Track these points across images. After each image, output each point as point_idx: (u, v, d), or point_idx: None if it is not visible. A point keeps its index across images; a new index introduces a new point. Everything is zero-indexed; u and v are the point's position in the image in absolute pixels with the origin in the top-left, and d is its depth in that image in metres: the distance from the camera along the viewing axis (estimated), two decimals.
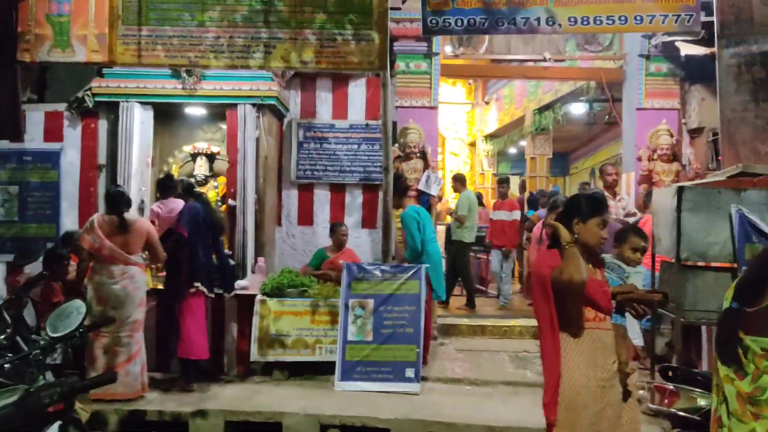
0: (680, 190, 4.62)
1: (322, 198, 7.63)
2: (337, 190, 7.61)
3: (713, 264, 4.55)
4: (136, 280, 5.15)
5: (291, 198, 7.63)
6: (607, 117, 11.38)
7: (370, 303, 5.79)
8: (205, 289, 5.69)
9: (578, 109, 12.84)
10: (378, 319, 5.73)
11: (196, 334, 5.63)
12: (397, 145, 7.25)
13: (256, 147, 6.76)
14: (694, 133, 7.33)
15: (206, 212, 5.71)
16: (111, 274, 5.03)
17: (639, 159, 7.40)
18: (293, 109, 7.63)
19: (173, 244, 5.60)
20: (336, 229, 6.69)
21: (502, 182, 9.52)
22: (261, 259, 6.49)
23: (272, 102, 6.76)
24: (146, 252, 5.43)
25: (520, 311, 8.66)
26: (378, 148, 7.49)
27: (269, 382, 5.93)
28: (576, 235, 2.87)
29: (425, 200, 7.20)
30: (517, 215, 9.09)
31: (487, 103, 14.23)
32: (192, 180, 6.15)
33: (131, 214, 5.29)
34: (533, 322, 7.71)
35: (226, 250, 6.59)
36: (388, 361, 5.64)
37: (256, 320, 5.96)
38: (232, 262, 6.58)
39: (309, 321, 5.96)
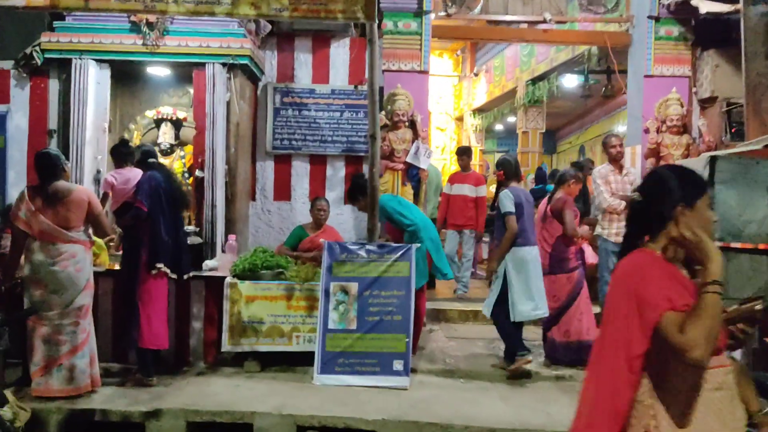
0: (713, 161, 4.04)
1: (300, 170, 6.98)
2: (318, 162, 6.96)
3: (749, 245, 3.96)
4: (79, 260, 4.43)
5: (266, 170, 6.96)
6: (603, 89, 10.82)
7: (354, 287, 5.15)
8: (167, 271, 5.02)
9: (571, 81, 12.25)
10: (362, 305, 5.10)
11: (157, 321, 4.97)
12: (383, 112, 6.59)
13: (226, 112, 6.07)
14: (706, 102, 6.75)
15: (168, 184, 5.02)
16: (49, 253, 4.30)
17: (646, 131, 6.81)
18: (269, 72, 6.93)
19: (131, 220, 4.92)
20: (316, 204, 6.03)
21: (462, 153, 7.62)
22: (232, 237, 5.82)
23: (245, 62, 6.05)
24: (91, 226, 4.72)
25: None
26: (363, 116, 6.84)
27: (240, 374, 5.29)
28: (678, 231, 1.87)
29: (414, 174, 6.57)
30: (483, 191, 7.41)
31: (476, 74, 13.55)
32: (152, 147, 5.44)
33: (66, 183, 4.52)
34: None
35: (191, 227, 5.92)
36: (373, 352, 5.02)
37: (226, 305, 5.30)
38: (198, 240, 5.91)
39: (285, 306, 5.32)
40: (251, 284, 5.32)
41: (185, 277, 5.26)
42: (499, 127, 20.30)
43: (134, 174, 5.04)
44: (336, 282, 5.17)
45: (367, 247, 5.26)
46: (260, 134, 6.91)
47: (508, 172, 5.41)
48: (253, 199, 6.94)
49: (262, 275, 5.36)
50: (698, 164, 4.27)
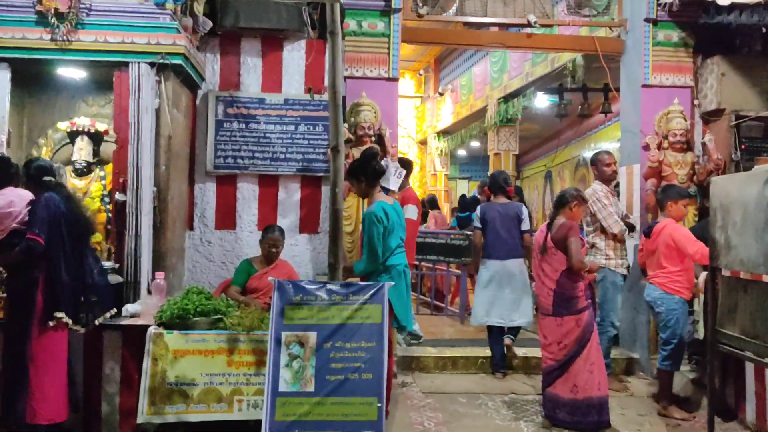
0: None
1: (248, 194, 5.91)
2: (268, 184, 5.92)
3: None
4: None
5: (207, 193, 5.86)
6: (580, 108, 10.07)
7: (312, 337, 4.08)
8: (69, 321, 3.89)
9: (542, 102, 11.54)
10: (323, 360, 4.02)
11: (54, 387, 3.82)
12: (346, 125, 5.59)
13: (155, 123, 4.98)
14: (712, 115, 5.96)
15: (68, 208, 3.91)
16: None
17: (646, 147, 5.98)
18: (210, 78, 5.89)
19: (21, 255, 3.78)
20: (267, 234, 4.97)
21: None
22: (160, 275, 4.69)
23: (178, 61, 4.99)
24: None
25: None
26: (322, 130, 5.87)
27: None
28: None
29: None
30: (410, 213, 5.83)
31: (441, 94, 12.75)
32: (48, 162, 4.29)
33: None
34: (517, 352, 6.18)
35: (108, 262, 4.77)
36: (336, 421, 3.93)
37: (146, 363, 4.16)
38: (117, 278, 4.77)
39: (225, 363, 4.21)
40: (180, 335, 4.20)
41: (97, 323, 4.13)
42: (461, 152, 19.64)
43: (19, 197, 3.89)
44: (289, 331, 4.09)
45: (329, 286, 4.20)
46: (199, 151, 5.83)
47: (491, 186, 5.95)
48: (191, 227, 5.83)
49: (196, 323, 4.25)
50: (750, 180, 3.40)
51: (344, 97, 5.82)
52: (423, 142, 14.15)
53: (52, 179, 3.98)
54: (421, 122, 14.18)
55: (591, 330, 4.56)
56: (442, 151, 13.30)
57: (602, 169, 5.44)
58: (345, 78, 5.76)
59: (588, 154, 13.73)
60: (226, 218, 5.84)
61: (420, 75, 13.91)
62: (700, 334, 4.99)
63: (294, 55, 5.93)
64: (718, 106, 5.86)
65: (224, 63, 5.88)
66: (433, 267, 8.74)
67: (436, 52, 12.76)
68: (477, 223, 5.78)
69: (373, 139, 5.67)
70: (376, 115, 5.68)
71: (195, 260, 5.80)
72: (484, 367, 5.84)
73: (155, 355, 4.17)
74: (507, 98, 9.50)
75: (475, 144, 16.91)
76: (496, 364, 5.70)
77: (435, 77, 13.30)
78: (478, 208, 5.91)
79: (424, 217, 8.90)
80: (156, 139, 4.98)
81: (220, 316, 4.32)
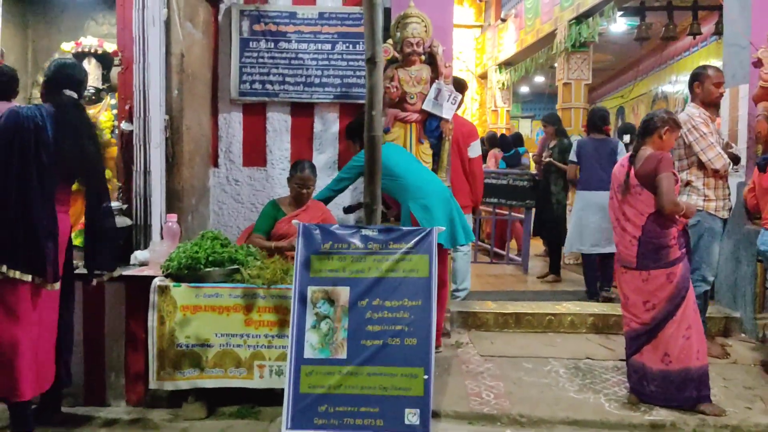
0: None
1: (279, 125, 5.14)
2: (302, 113, 5.13)
3: None
4: None
5: (232, 125, 5.13)
6: (664, 29, 8.83)
7: (344, 293, 3.34)
8: (20, 275, 3.13)
9: (619, 26, 10.29)
10: (357, 321, 3.29)
11: (18, 352, 3.14)
12: (390, 41, 4.71)
13: (165, 38, 4.23)
14: None
15: (58, 124, 3.18)
16: None
17: (756, 64, 4.87)
18: None
19: None
20: (296, 170, 4.22)
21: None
22: (172, 218, 4.02)
23: None
24: None
25: (562, 290, 6.27)
26: (363, 48, 4.96)
27: (176, 422, 3.55)
28: None
29: (434, 125, 4.68)
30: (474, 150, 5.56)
31: (503, 20, 11.55)
32: (64, 67, 3.50)
33: None
34: (591, 308, 5.35)
35: (116, 202, 4.12)
36: (373, 395, 3.21)
37: (152, 320, 3.53)
38: (127, 221, 4.12)
39: (242, 322, 3.54)
40: (190, 289, 3.54)
41: (105, 278, 3.50)
42: (524, 89, 18.35)
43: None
44: (316, 286, 3.36)
45: (364, 232, 3.43)
46: (223, 75, 5.07)
47: (589, 122, 6.07)
48: (215, 164, 5.12)
49: (208, 275, 3.58)
50: None
51: (388, 9, 4.92)
52: (483, 76, 13.04)
53: (67, 92, 3.25)
54: (481, 54, 13.03)
55: (686, 286, 3.66)
56: (504, 84, 12.19)
57: (709, 89, 4.38)
58: None
59: (668, 87, 12.40)
60: (255, 153, 5.10)
61: (480, 1, 12.70)
62: None
63: None
64: None
65: None
66: (493, 211, 7.88)
67: None
68: (573, 157, 5.91)
69: (423, 58, 4.76)
70: (427, 29, 4.75)
71: (221, 201, 5.12)
72: (552, 325, 5.02)
73: (162, 311, 3.54)
74: (580, 19, 8.33)
75: (539, 79, 15.67)
76: (592, 292, 5.71)
77: (497, 3, 12.09)
78: (575, 142, 6.09)
79: (484, 156, 8.03)
80: (166, 57, 4.24)
81: (236, 267, 3.63)
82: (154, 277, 3.63)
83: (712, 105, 4.52)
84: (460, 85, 5.18)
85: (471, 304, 5.24)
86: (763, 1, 4.92)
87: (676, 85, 11.94)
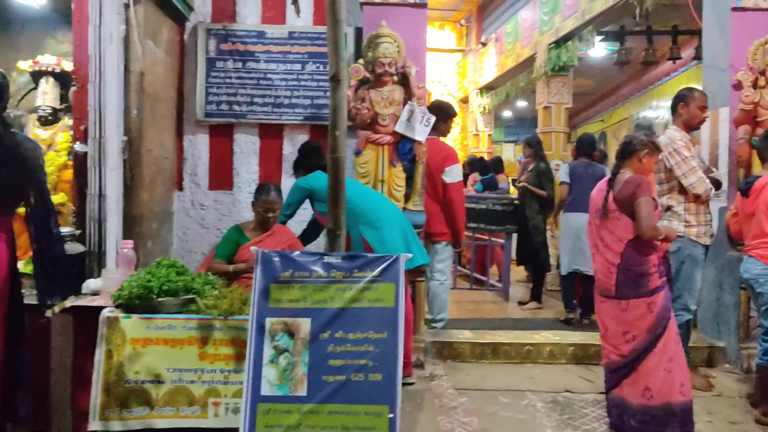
0: None
1: (246, 147, 4.97)
2: (271, 135, 4.98)
3: None
4: None
5: (198, 147, 4.95)
6: (644, 53, 8.80)
7: (305, 325, 3.12)
8: None
9: (599, 51, 10.26)
10: (318, 355, 3.07)
11: None
12: (361, 62, 4.57)
13: (124, 56, 4.05)
14: None
15: None
16: None
17: (736, 87, 4.78)
18: (200, 7, 4.93)
19: None
20: (262, 194, 4.03)
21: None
22: (127, 244, 3.79)
23: None
24: None
25: (543, 317, 6.08)
26: None
27: None
28: None
29: (407, 148, 4.53)
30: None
31: (483, 44, 11.51)
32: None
33: None
34: (571, 338, 5.15)
35: (68, 228, 3.90)
36: None
37: (99, 354, 3.29)
38: (80, 247, 3.90)
39: (196, 356, 3.30)
40: (140, 320, 3.30)
41: (55, 310, 3.28)
42: (506, 113, 18.34)
43: None
44: (275, 317, 3.14)
45: (327, 259, 3.23)
46: (188, 96, 4.90)
47: (578, 147, 6.16)
48: (180, 188, 4.93)
49: (161, 305, 3.34)
50: None
51: (360, 28, 4.79)
52: (464, 101, 12.96)
53: None
54: (462, 78, 12.98)
55: (668, 316, 3.49)
56: (485, 108, 12.11)
57: (694, 111, 4.23)
58: (361, 4, 4.73)
59: (648, 112, 12.38)
60: (222, 176, 4.92)
61: (461, 26, 12.68)
62: None
63: None
64: None
65: None
66: (473, 236, 7.71)
67: None
68: (566, 179, 5.98)
69: (396, 78, 4.62)
70: (400, 49, 4.62)
71: (186, 226, 4.91)
72: (530, 355, 4.82)
73: (111, 343, 3.29)
74: (559, 42, 8.26)
75: (521, 103, 15.66)
76: (569, 305, 5.88)
77: (477, 27, 12.06)
78: (567, 165, 6.19)
79: (464, 179, 7.89)
80: (125, 76, 4.06)
81: (192, 297, 3.41)
82: (104, 307, 3.39)
83: (693, 128, 4.40)
84: (448, 111, 5.08)
85: (447, 333, 5.03)
86: (741, 23, 4.83)
87: (657, 110, 11.92)
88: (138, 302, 3.31)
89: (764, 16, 4.79)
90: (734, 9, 4.83)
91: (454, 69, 13.06)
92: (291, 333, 3.11)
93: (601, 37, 8.73)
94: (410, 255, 3.30)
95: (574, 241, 5.84)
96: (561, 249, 6.13)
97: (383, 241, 3.80)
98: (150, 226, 4.35)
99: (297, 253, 3.29)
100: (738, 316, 4.68)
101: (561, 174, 6.11)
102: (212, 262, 3.97)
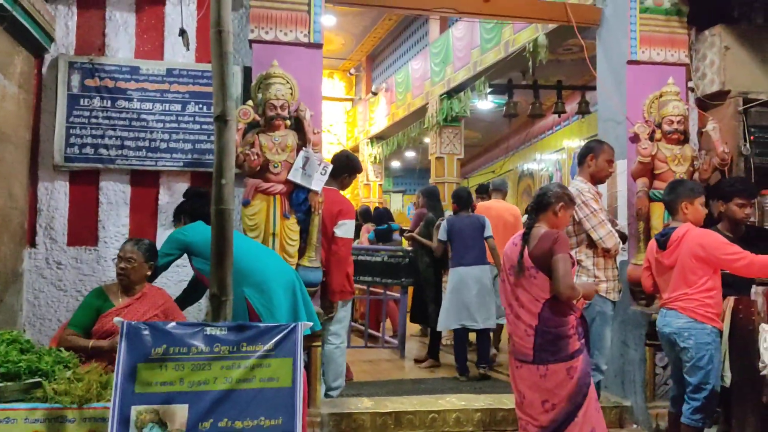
0: None
1: (115, 196, 4.34)
2: (145, 183, 4.38)
3: None
4: None
5: (55, 196, 4.26)
6: (531, 107, 8.96)
7: (181, 413, 2.57)
8: None
9: (486, 105, 10.41)
10: None
11: None
12: (250, 103, 4.14)
13: None
14: (713, 99, 4.81)
15: None
16: None
17: (633, 139, 4.77)
18: (63, 38, 4.32)
19: None
20: (123, 252, 3.43)
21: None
22: None
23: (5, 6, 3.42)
24: None
25: (441, 377, 5.74)
26: None
27: None
28: None
29: (302, 198, 4.10)
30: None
31: (374, 94, 11.41)
32: None
33: None
34: (478, 402, 4.80)
35: None
36: None
37: None
38: None
39: None
40: None
41: None
42: (395, 164, 18.39)
43: None
44: (143, 405, 2.57)
45: (209, 330, 2.71)
46: (45, 137, 4.21)
47: (457, 201, 6.04)
48: (32, 244, 4.19)
49: (1, 392, 2.68)
50: None
51: (249, 68, 4.37)
52: (354, 150, 12.78)
53: None
54: (352, 128, 12.84)
55: (588, 382, 3.23)
56: (376, 158, 11.96)
57: (602, 164, 4.12)
58: (251, 42, 4.32)
59: (533, 165, 12.70)
60: (84, 230, 4.24)
61: (350, 75, 12.59)
62: (727, 378, 3.74)
63: (180, 10, 4.40)
64: (722, 88, 4.71)
65: (83, 18, 4.31)
66: (367, 290, 7.33)
67: (369, 47, 11.50)
68: (443, 236, 5.87)
69: (289, 123, 4.21)
70: (293, 90, 4.23)
71: (38, 289, 4.17)
72: (436, 424, 4.42)
73: None
74: (451, 93, 8.23)
75: (410, 154, 15.71)
76: (462, 368, 5.68)
77: (367, 77, 12.01)
78: (445, 221, 5.98)
79: (356, 230, 7.53)
80: None
81: (38, 380, 2.76)
82: None
83: (599, 181, 4.30)
84: (356, 166, 4.77)
85: (345, 403, 4.54)
86: (637, 76, 4.85)
87: (540, 163, 12.24)
88: None
89: (657, 69, 4.83)
90: (629, 62, 4.85)
91: (344, 118, 12.92)
92: (163, 424, 2.55)
93: (490, 90, 8.83)
94: (310, 324, 2.85)
95: (458, 295, 5.71)
96: (443, 303, 5.96)
97: (271, 306, 3.30)
98: None
99: (172, 324, 2.75)
100: (644, 373, 4.54)
101: (440, 231, 5.98)
102: (66, 333, 3.31)
